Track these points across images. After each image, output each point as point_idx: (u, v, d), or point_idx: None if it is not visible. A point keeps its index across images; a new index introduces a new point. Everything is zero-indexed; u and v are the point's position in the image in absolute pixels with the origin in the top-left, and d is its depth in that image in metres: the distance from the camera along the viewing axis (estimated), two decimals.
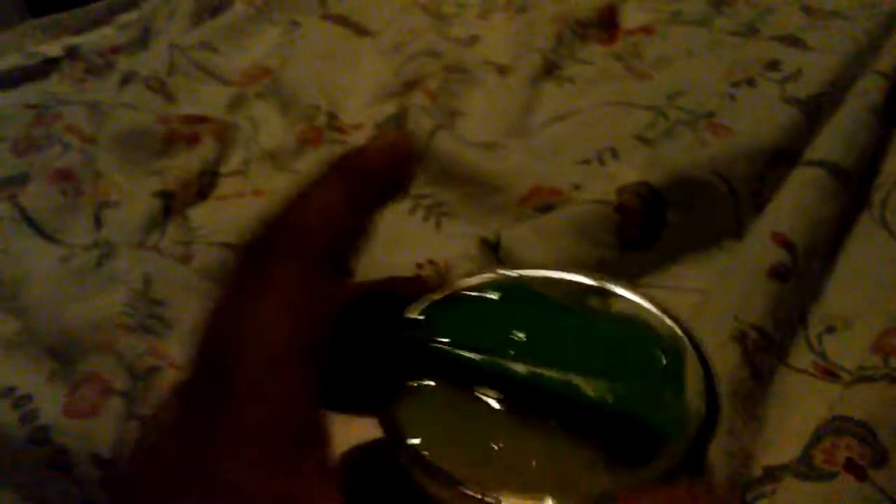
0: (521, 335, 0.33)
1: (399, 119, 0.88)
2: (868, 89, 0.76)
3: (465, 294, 0.35)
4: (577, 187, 0.75)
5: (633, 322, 0.34)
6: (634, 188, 0.68)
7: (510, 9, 1.22)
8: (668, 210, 0.69)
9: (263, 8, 1.25)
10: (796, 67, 0.94)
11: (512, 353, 0.31)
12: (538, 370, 0.31)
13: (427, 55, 1.05)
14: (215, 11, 1.26)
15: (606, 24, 1.14)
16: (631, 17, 1.17)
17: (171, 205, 0.80)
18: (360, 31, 1.17)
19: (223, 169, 0.89)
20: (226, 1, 1.29)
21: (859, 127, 0.72)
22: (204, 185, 0.85)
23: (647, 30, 1.12)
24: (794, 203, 0.65)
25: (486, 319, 0.34)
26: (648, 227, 0.68)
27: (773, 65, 0.96)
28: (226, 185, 0.86)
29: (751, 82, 0.94)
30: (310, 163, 0.88)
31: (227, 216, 0.80)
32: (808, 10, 1.15)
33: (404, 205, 0.79)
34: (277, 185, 0.84)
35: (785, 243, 0.61)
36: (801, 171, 0.68)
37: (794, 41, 1.02)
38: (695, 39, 1.08)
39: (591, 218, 0.67)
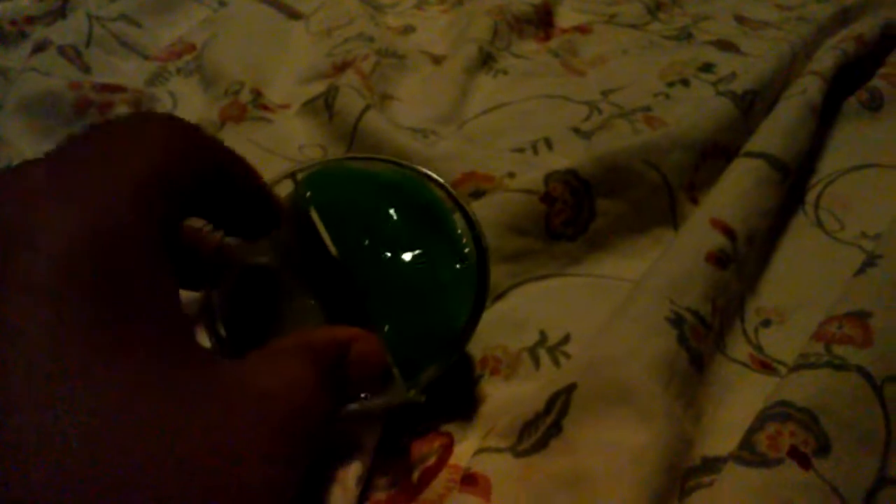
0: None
1: (328, 97, 0.82)
2: (806, 88, 0.74)
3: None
4: (510, 175, 0.71)
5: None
6: (561, 176, 0.65)
7: (447, 4, 1.18)
8: (597, 199, 0.66)
9: None
10: (730, 70, 0.93)
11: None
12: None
13: (360, 39, 1.00)
14: None
15: (542, 22, 1.12)
16: (567, 17, 1.15)
17: None
18: (291, 13, 1.12)
19: None
20: None
21: (798, 124, 0.70)
22: None
23: (583, 29, 1.10)
24: (734, 191, 0.62)
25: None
26: (576, 217, 0.65)
27: (708, 67, 0.95)
28: None
29: (685, 82, 0.92)
30: (231, 139, 0.82)
31: None
32: (740, 20, 1.14)
33: None
34: None
35: (725, 229, 0.58)
36: (742, 161, 0.66)
37: (728, 46, 1.02)
38: (630, 41, 1.07)
39: (516, 207, 0.63)
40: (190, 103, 0.91)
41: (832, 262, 0.63)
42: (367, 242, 0.44)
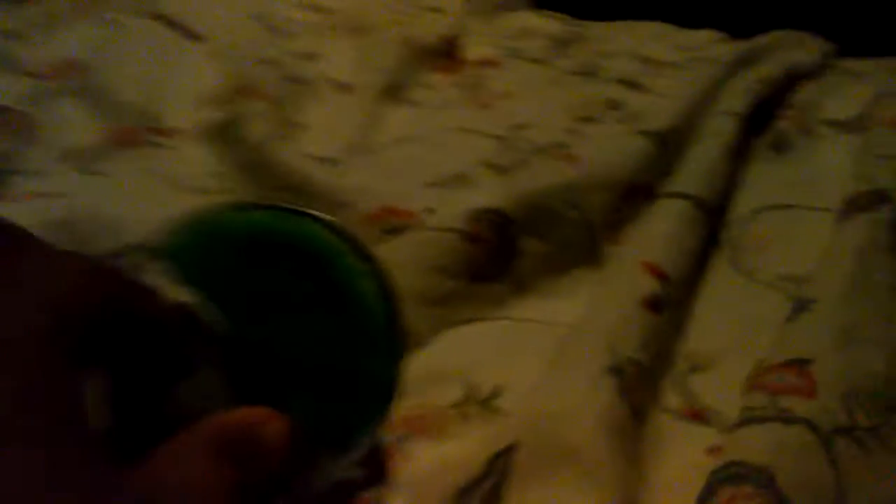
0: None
1: (230, 124, 0.77)
2: (722, 129, 0.74)
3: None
4: (430, 211, 0.67)
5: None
6: (484, 215, 0.61)
7: (351, 29, 1.14)
8: (520, 238, 0.62)
9: (78, 6, 1.10)
10: (638, 107, 0.92)
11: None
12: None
13: (263, 64, 0.95)
14: None
15: (449, 54, 1.09)
16: (473, 50, 1.12)
17: None
18: (189, 34, 1.05)
19: (18, 166, 0.74)
20: None
21: (717, 164, 0.69)
22: None
23: (490, 63, 1.08)
24: (662, 233, 0.60)
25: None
26: (500, 257, 0.61)
27: (615, 104, 0.94)
28: (18, 186, 0.71)
29: (594, 119, 0.91)
30: (122, 166, 0.75)
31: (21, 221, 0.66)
32: (644, 60, 1.14)
33: None
34: (82, 189, 0.70)
35: (658, 273, 0.55)
36: (666, 202, 0.64)
37: (633, 84, 1.01)
38: (536, 75, 1.05)
39: (438, 247, 0.59)
40: (78, 126, 0.83)
41: (755, 304, 0.61)
42: (261, 309, 0.37)
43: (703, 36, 1.26)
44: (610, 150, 0.71)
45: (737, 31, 1.17)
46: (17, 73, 0.93)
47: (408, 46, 1.02)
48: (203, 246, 0.39)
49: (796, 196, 0.74)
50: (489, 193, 0.68)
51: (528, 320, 0.60)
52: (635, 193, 0.69)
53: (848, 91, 0.98)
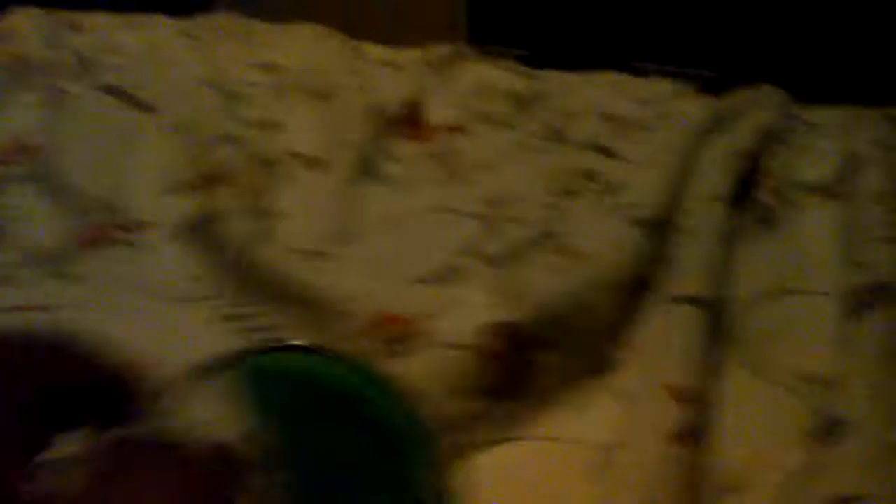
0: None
1: (205, 220, 0.72)
2: (712, 215, 0.72)
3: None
4: (428, 316, 0.64)
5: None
6: (497, 329, 0.58)
7: (309, 94, 1.10)
8: (534, 351, 0.60)
9: (19, 70, 1.03)
10: (615, 179, 0.91)
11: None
12: None
13: (225, 142, 0.90)
14: None
15: (415, 120, 1.05)
16: (438, 114, 1.09)
17: None
18: (141, 105, 0.99)
19: None
20: None
21: (713, 256, 0.68)
22: None
23: (457, 129, 1.05)
24: (679, 348, 0.58)
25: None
26: (516, 373, 0.58)
27: (591, 175, 0.92)
28: None
29: (573, 193, 0.89)
30: (94, 269, 0.70)
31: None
32: (606, 118, 1.13)
33: (214, 331, 0.64)
34: (57, 298, 0.65)
35: (683, 398, 0.53)
36: (675, 309, 0.62)
37: (605, 150, 0.99)
38: (505, 142, 1.02)
39: (452, 365, 0.57)
40: (36, 222, 0.77)
41: (777, 412, 0.60)
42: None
43: (661, 88, 1.26)
44: (608, 244, 0.69)
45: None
46: None
47: (373, 115, 0.98)
48: (254, 385, 0.44)
49: (792, 279, 0.73)
50: (485, 293, 0.66)
51: (549, 439, 0.57)
52: (637, 289, 0.68)
53: (816, 149, 0.99)
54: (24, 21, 1.24)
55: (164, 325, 0.62)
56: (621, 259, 0.67)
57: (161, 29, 1.32)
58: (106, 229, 0.73)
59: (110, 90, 0.98)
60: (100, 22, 1.38)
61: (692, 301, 0.63)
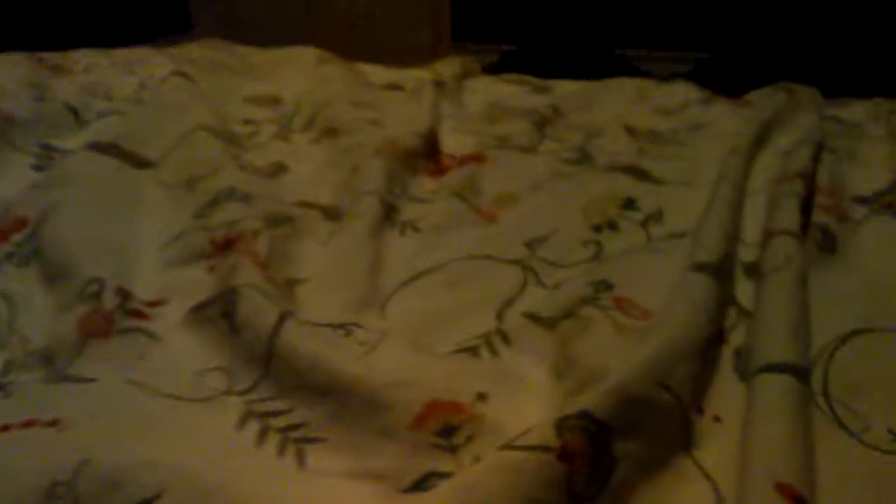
0: None
1: (225, 304, 0.64)
2: (790, 256, 0.65)
3: None
4: (481, 397, 0.57)
5: None
6: (576, 422, 0.50)
7: (317, 132, 1.02)
8: (615, 443, 0.52)
9: (4, 129, 0.95)
10: (655, 206, 0.84)
11: None
12: None
13: (233, 197, 0.82)
14: None
15: (431, 152, 0.98)
16: (453, 143, 1.02)
17: None
18: (138, 161, 0.92)
19: None
20: None
21: (799, 306, 0.61)
22: None
23: (477, 158, 0.97)
24: (780, 435, 0.51)
25: None
26: (597, 471, 0.51)
27: (629, 203, 0.85)
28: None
29: (613, 225, 0.81)
30: (102, 368, 0.62)
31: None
32: (630, 131, 1.06)
33: (246, 430, 0.57)
34: (56, 408, 0.57)
35: (797, 499, 0.46)
36: (768, 381, 0.55)
37: (638, 173, 0.92)
38: (530, 169, 0.95)
39: (531, 471, 0.49)
40: (34, 310, 0.70)
41: (877, 478, 0.53)
42: None
43: (679, 93, 1.19)
44: (678, 299, 0.61)
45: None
46: None
47: (390, 152, 0.91)
48: None
49: (867, 313, 0.66)
50: (533, 353, 0.59)
51: None
52: (711, 348, 0.60)
53: (864, 155, 0.92)
54: (7, 70, 1.16)
55: (189, 435, 0.55)
56: (693, 317, 0.59)
57: (151, 67, 1.24)
58: (111, 315, 0.66)
59: (105, 148, 0.90)
60: (85, 62, 1.30)
61: (781, 369, 0.55)
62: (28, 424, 0.56)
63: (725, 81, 1.23)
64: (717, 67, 2.02)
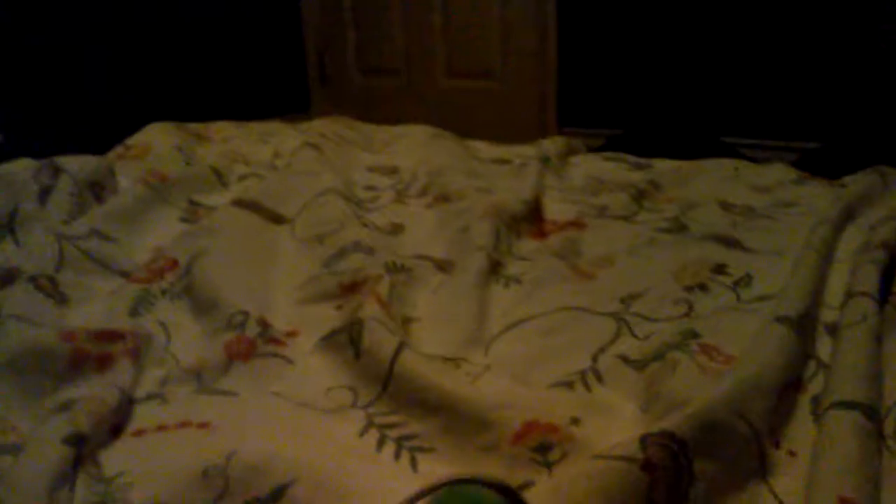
0: None
1: (351, 332, 0.74)
2: (866, 314, 0.70)
3: None
4: (574, 421, 0.63)
5: None
6: (659, 440, 0.57)
7: (430, 197, 1.13)
8: (694, 461, 0.58)
9: (158, 187, 1.09)
10: (744, 271, 0.89)
11: None
12: None
13: (358, 249, 0.92)
14: (98, 190, 1.09)
15: (535, 218, 1.07)
16: (555, 210, 1.10)
17: (82, 452, 0.61)
18: (274, 217, 1.04)
19: (137, 392, 0.71)
20: (108, 179, 1.12)
21: (872, 359, 0.66)
22: (118, 418, 0.67)
23: (577, 224, 1.05)
24: (845, 457, 0.56)
25: None
26: (677, 485, 0.57)
27: (720, 268, 0.91)
28: (142, 416, 0.68)
29: (703, 287, 0.87)
30: (244, 385, 0.72)
31: (149, 461, 0.62)
32: (725, 206, 1.12)
33: (367, 438, 0.65)
34: (206, 414, 0.66)
35: None
36: (838, 416, 0.60)
37: (730, 241, 0.98)
38: (628, 237, 1.02)
39: (613, 477, 0.55)
40: (185, 336, 0.80)
41: None
42: None
43: (775, 174, 1.25)
44: (758, 344, 0.67)
45: None
46: (113, 276, 0.91)
47: (497, 216, 1.00)
48: None
49: None
50: (622, 390, 0.65)
51: None
52: (788, 390, 0.66)
53: None
54: (160, 137, 1.32)
55: (319, 438, 0.63)
56: (771, 359, 0.65)
57: (283, 138, 1.38)
58: (253, 342, 0.76)
59: (247, 204, 1.03)
60: (225, 132, 1.45)
61: (851, 406, 0.60)
62: (182, 425, 0.66)
63: (831, 170, 1.27)
64: (823, 157, 2.05)
